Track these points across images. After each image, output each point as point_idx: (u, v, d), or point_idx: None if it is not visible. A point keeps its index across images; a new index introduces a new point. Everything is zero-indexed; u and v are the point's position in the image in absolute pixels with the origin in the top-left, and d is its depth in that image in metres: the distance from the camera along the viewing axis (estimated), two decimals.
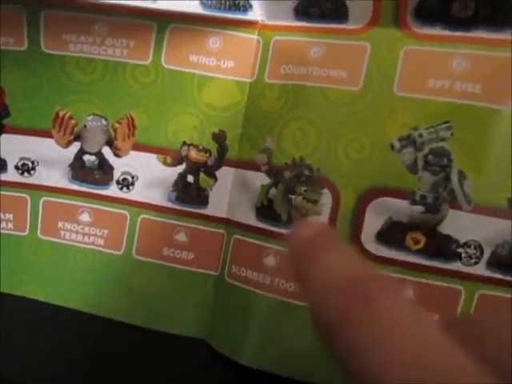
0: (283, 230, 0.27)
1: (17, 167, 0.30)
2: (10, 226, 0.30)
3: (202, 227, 0.29)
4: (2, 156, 0.30)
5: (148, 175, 0.29)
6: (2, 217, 0.30)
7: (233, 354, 0.27)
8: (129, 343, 0.29)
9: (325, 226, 0.18)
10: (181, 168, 0.29)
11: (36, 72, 0.28)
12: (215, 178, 0.29)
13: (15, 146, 0.29)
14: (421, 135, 0.24)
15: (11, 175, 0.30)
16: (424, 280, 0.25)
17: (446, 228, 0.24)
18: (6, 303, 0.30)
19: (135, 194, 0.29)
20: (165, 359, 0.29)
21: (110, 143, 0.29)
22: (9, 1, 0.27)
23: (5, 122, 0.29)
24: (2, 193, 0.30)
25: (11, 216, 0.30)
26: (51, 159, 0.29)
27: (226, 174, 0.28)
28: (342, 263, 0.14)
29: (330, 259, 0.15)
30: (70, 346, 0.30)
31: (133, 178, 0.29)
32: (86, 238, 0.30)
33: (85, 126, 0.29)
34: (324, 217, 0.26)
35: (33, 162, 0.30)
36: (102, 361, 0.30)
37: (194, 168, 0.29)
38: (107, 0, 0.25)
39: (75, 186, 0.30)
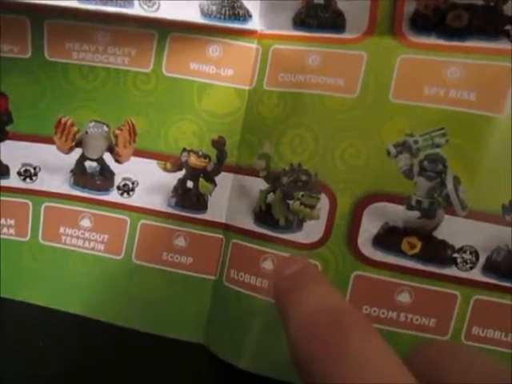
0: (281, 235, 0.27)
1: (19, 173, 0.30)
2: (12, 231, 0.30)
3: (201, 232, 0.29)
4: (5, 162, 0.30)
5: (148, 181, 0.29)
6: (4, 222, 0.30)
7: (232, 359, 0.27)
8: (128, 348, 0.30)
9: (306, 261, 0.18)
10: (180, 174, 0.29)
11: (39, 79, 0.29)
12: (214, 184, 0.29)
13: (17, 152, 0.30)
14: (416, 142, 0.25)
15: (13, 181, 0.30)
16: (420, 285, 0.25)
17: (441, 233, 0.25)
18: (6, 308, 0.30)
19: (135, 200, 0.29)
20: (164, 364, 0.29)
21: (111, 149, 0.29)
22: (13, 10, 0.28)
23: (8, 128, 0.30)
24: (4, 198, 0.30)
25: (13, 222, 0.30)
26: (53, 165, 0.30)
27: (225, 179, 0.29)
28: (321, 297, 0.15)
29: (309, 293, 0.15)
30: (69, 351, 0.30)
31: (133, 183, 0.30)
32: (87, 243, 0.30)
33: (86, 133, 0.29)
34: (321, 221, 0.26)
35: (35, 168, 0.30)
36: (101, 365, 0.30)
37: (194, 174, 0.29)
38: (109, 9, 0.25)
39: (76, 192, 0.30)
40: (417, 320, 0.25)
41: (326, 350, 0.12)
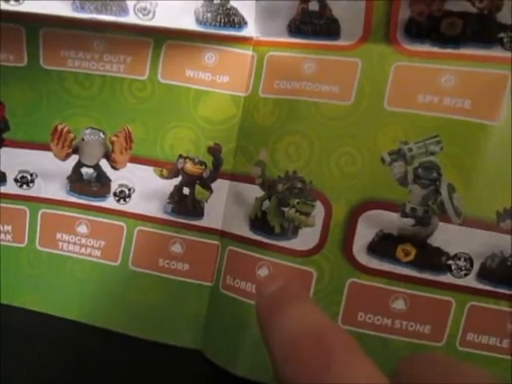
0: (277, 242, 0.27)
1: (16, 180, 0.30)
2: (9, 237, 0.31)
3: (197, 239, 0.29)
4: (2, 169, 0.30)
5: (144, 187, 0.29)
6: (1, 229, 0.30)
7: (228, 365, 0.27)
8: (125, 354, 0.30)
9: (287, 279, 0.17)
10: (177, 180, 0.29)
11: (35, 87, 0.29)
12: (211, 190, 0.29)
13: (14, 159, 0.30)
14: (410, 149, 0.25)
15: (10, 188, 0.30)
16: (415, 291, 0.25)
17: (436, 240, 0.25)
18: (3, 314, 0.30)
19: (132, 206, 0.30)
20: (161, 370, 0.29)
21: (107, 156, 0.30)
22: (8, 19, 0.28)
23: (4, 135, 0.30)
24: (1, 205, 0.30)
25: (10, 228, 0.31)
26: (50, 172, 0.30)
27: (221, 186, 0.29)
28: (302, 317, 0.14)
29: (290, 314, 0.15)
30: (66, 357, 0.30)
31: (129, 190, 0.30)
32: (84, 249, 0.30)
33: (83, 140, 0.29)
34: (316, 229, 0.26)
35: (32, 175, 0.30)
36: (98, 371, 0.30)
37: (190, 180, 0.29)
38: (104, 18, 0.25)
39: (73, 198, 0.30)
40: (411, 327, 0.25)
41: (311, 372, 0.12)
